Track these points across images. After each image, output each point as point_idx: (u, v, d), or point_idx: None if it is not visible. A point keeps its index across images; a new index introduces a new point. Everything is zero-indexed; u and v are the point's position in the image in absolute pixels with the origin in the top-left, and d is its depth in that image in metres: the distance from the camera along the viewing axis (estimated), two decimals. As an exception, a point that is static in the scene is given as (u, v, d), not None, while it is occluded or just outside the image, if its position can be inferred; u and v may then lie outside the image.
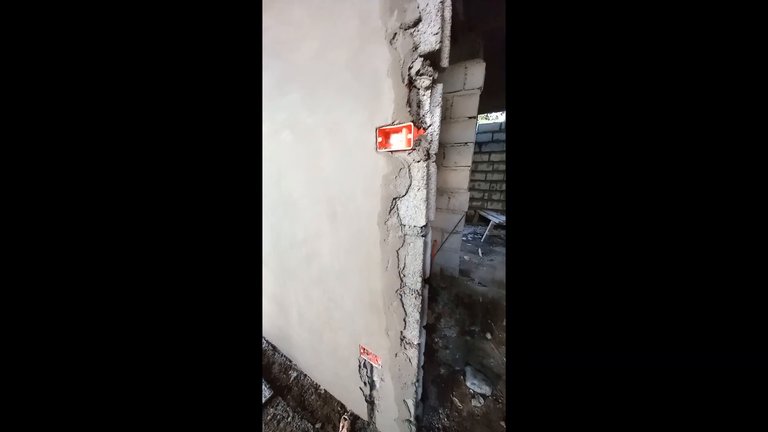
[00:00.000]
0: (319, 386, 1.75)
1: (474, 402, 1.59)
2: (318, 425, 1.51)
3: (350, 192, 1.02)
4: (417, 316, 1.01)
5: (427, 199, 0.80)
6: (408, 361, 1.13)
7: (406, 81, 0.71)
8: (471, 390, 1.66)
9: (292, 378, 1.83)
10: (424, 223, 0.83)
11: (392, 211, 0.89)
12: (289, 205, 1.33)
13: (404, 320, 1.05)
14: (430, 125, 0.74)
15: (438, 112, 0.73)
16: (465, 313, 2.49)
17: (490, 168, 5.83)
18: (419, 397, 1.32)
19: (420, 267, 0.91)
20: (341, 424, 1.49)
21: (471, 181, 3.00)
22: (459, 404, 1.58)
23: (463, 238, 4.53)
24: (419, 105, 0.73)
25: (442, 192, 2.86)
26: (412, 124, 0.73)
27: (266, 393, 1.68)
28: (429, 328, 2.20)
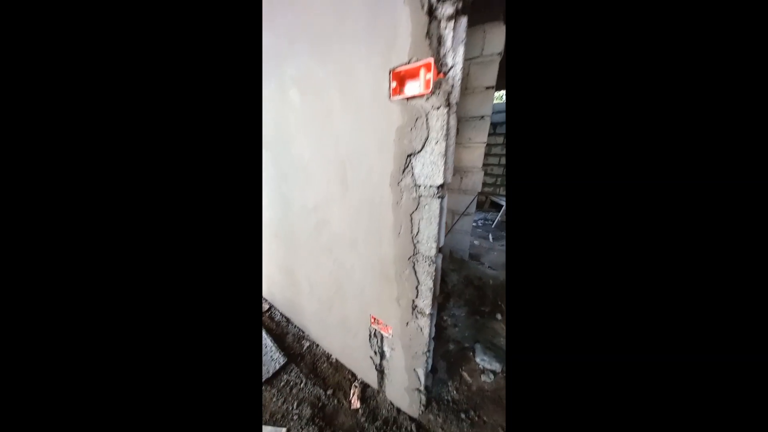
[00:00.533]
0: (331, 355, 1.80)
1: (484, 378, 1.59)
2: (329, 391, 1.56)
3: (362, 150, 0.95)
4: (430, 283, 0.97)
5: (446, 154, 0.73)
6: (419, 330, 1.12)
7: (425, 8, 0.62)
8: (481, 366, 1.65)
9: (305, 347, 1.89)
10: (441, 182, 0.76)
11: (406, 170, 0.83)
12: (300, 170, 1.29)
13: (416, 289, 1.02)
14: (451, 67, 0.65)
15: (461, 51, 0.64)
16: (475, 294, 2.46)
17: (504, 151, 5.53)
18: (429, 367, 1.33)
19: (435, 232, 0.86)
20: (352, 391, 1.54)
21: (483, 165, 2.85)
22: (468, 379, 1.58)
23: (474, 224, 4.43)
24: (440, 41, 0.64)
25: (453, 171, 2.74)
26: (431, 61, 0.64)
27: (281, 360, 1.74)
28: (438, 306, 2.19)
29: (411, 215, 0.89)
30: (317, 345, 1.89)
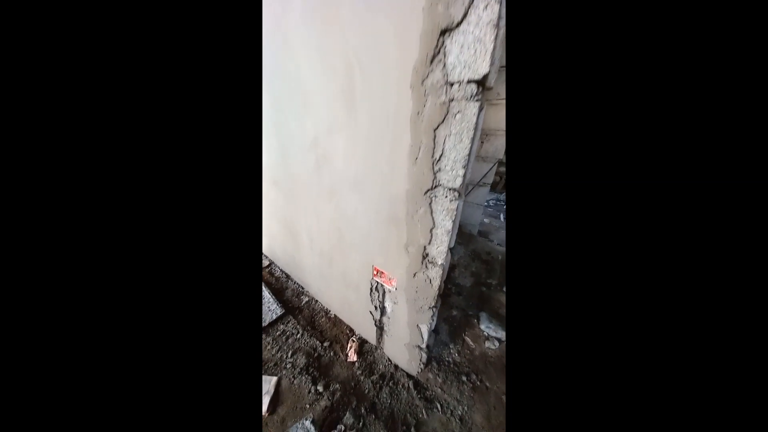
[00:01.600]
0: (330, 311, 1.75)
1: (488, 344, 1.51)
2: (326, 344, 1.52)
3: (374, 38, 0.72)
4: (448, 225, 0.82)
5: (498, 24, 0.52)
6: (428, 282, 0.99)
7: None
8: (485, 333, 1.57)
9: (303, 302, 1.85)
10: (486, 72, 0.56)
11: (436, 59, 0.62)
12: (296, 92, 1.09)
13: (430, 232, 0.87)
14: None
15: None
16: (482, 267, 2.35)
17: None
18: (433, 325, 1.23)
19: (465, 153, 0.68)
20: (349, 345, 1.49)
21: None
22: (471, 344, 1.50)
23: (485, 204, 4.23)
24: None
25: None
26: None
27: (278, 311, 1.70)
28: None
29: (435, 131, 0.70)
30: (316, 300, 1.84)
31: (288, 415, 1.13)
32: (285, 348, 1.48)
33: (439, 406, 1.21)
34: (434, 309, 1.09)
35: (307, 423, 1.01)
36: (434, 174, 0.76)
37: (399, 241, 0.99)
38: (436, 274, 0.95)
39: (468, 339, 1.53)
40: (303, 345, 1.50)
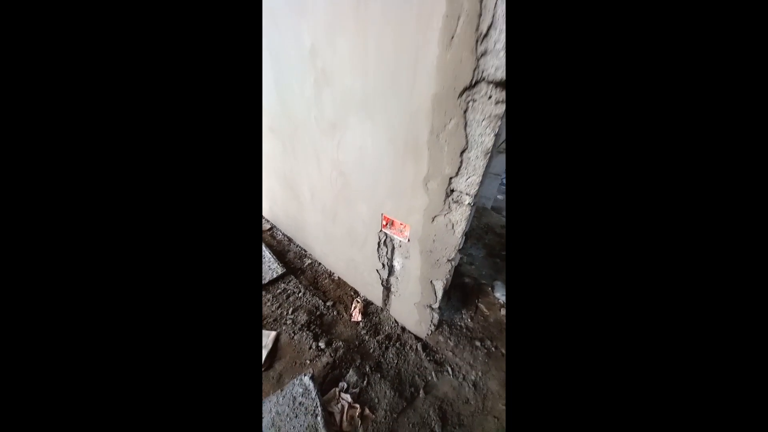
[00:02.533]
0: (333, 273, 1.65)
1: (503, 312, 1.39)
2: (329, 303, 1.42)
3: None
4: (488, 142, 0.63)
5: None
6: (450, 228, 0.83)
7: None
8: (500, 300, 1.45)
9: (306, 264, 1.75)
10: None
11: None
12: None
13: (461, 156, 0.69)
14: None
15: None
16: (495, 239, 2.19)
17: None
18: (449, 282, 1.10)
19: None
20: (353, 305, 1.39)
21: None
22: (485, 310, 1.38)
23: (500, 183, 3.99)
24: None
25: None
26: None
27: (278, 270, 1.60)
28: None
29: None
30: (320, 263, 1.73)
31: (285, 371, 1.06)
32: (285, 305, 1.39)
33: (450, 369, 1.11)
34: (452, 263, 0.94)
35: (306, 379, 0.92)
36: (477, 59, 0.56)
37: (416, 177, 0.81)
38: (461, 217, 0.79)
39: (482, 306, 1.41)
40: (305, 303, 1.41)
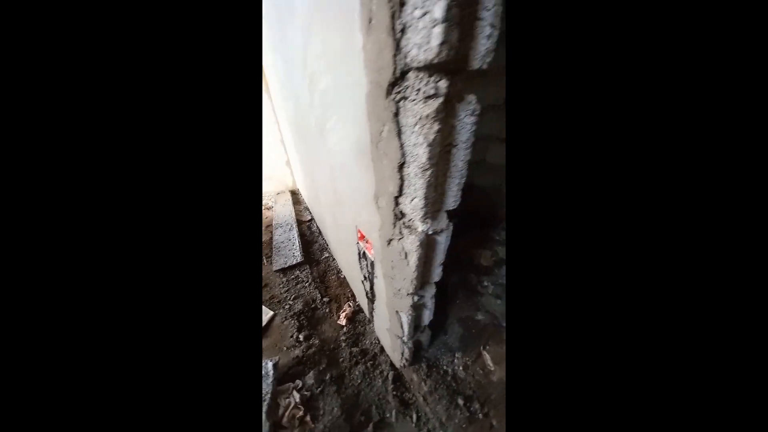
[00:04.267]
0: (341, 271, 1.71)
1: (517, 373, 1.03)
2: (326, 299, 1.49)
3: None
4: (422, 156, 0.46)
5: None
6: (404, 256, 0.68)
7: None
8: (518, 358, 1.08)
9: (323, 257, 1.89)
10: None
11: None
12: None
13: (399, 172, 0.53)
14: None
15: None
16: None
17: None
18: (423, 319, 0.92)
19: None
20: (344, 307, 1.40)
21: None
22: (490, 364, 1.07)
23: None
24: None
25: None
26: None
27: (299, 258, 1.81)
28: (482, 269, 1.58)
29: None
30: (333, 259, 1.84)
31: (265, 350, 1.19)
32: (292, 291, 1.56)
33: (415, 416, 0.94)
34: (417, 297, 0.77)
35: (270, 364, 1.00)
36: (396, 40, 0.40)
37: (369, 192, 0.70)
38: (413, 246, 0.62)
39: (487, 355, 1.10)
40: (306, 293, 1.53)
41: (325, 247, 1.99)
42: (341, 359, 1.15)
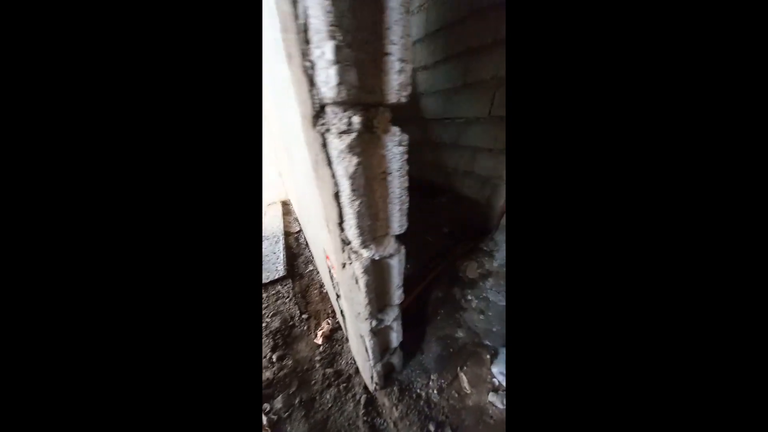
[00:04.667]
0: (323, 286, 1.68)
1: (492, 397, 0.98)
2: (305, 316, 1.47)
3: None
4: (346, 187, 0.45)
5: None
6: (354, 281, 0.66)
7: None
8: (495, 380, 1.03)
9: (307, 270, 1.87)
10: None
11: None
12: None
13: (336, 200, 0.53)
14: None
15: None
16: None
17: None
18: (392, 341, 0.89)
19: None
20: (322, 325, 1.37)
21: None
22: (466, 386, 1.03)
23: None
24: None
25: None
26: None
27: (281, 272, 1.80)
28: (468, 284, 1.55)
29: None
30: (317, 273, 1.82)
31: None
32: (271, 307, 1.54)
33: (384, 444, 0.90)
34: (374, 322, 0.75)
35: (237, 387, 0.98)
36: (309, 77, 0.40)
37: (319, 214, 0.69)
38: (359, 272, 0.61)
39: (464, 378, 1.05)
40: (285, 310, 1.51)
41: (310, 260, 1.98)
42: (313, 381, 1.11)
